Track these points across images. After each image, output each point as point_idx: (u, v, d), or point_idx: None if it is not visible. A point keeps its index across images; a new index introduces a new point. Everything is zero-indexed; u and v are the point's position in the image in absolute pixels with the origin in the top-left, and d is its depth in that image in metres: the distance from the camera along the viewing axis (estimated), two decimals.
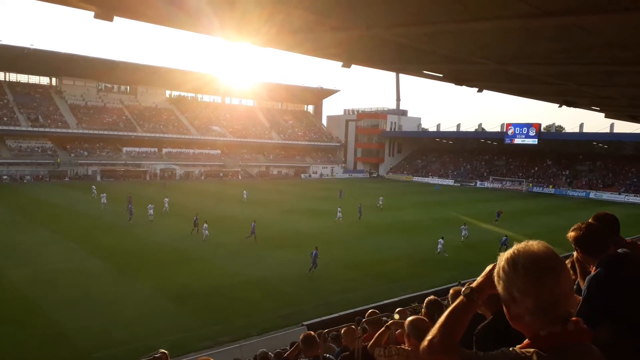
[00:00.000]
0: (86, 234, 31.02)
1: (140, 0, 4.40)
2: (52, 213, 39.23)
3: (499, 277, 1.63)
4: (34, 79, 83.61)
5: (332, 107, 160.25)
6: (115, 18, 4.31)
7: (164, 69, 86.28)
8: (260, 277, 22.87)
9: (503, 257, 1.63)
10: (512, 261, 1.58)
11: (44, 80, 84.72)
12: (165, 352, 2.76)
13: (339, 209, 40.04)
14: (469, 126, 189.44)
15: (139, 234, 32.01)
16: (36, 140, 73.12)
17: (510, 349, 1.56)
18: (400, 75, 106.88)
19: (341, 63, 6.63)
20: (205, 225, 30.51)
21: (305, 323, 15.70)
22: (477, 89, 9.25)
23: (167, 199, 41.69)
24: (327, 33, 5.10)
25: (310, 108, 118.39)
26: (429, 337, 1.71)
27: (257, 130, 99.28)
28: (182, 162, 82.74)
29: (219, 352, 12.99)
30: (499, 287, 1.63)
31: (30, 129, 72.46)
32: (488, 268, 1.81)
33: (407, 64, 7.47)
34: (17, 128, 71.47)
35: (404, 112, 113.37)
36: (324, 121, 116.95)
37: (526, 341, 1.58)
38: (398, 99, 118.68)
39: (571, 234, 2.94)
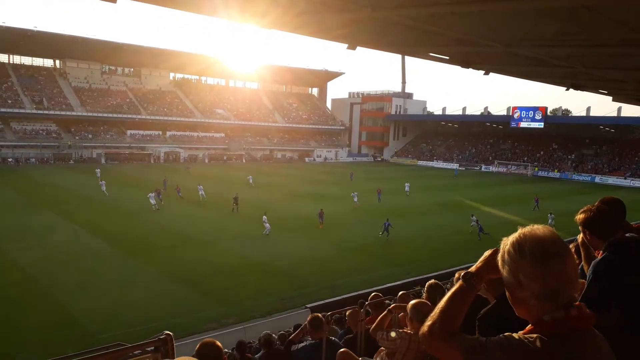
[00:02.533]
0: (93, 217, 31.23)
1: None
2: (57, 195, 39.47)
3: (503, 261, 1.62)
4: (38, 61, 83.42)
5: (336, 90, 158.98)
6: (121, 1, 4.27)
7: (168, 51, 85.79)
8: (266, 261, 23.03)
9: (508, 242, 1.62)
10: (518, 245, 1.57)
11: (47, 62, 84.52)
12: (170, 333, 2.78)
13: (354, 194, 39.72)
14: (474, 110, 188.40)
15: (146, 217, 32.20)
16: (41, 123, 73.24)
17: (514, 334, 1.55)
18: (406, 57, 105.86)
19: (346, 45, 6.56)
20: (265, 217, 28.70)
21: (308, 306, 15.84)
22: (483, 72, 9.16)
23: (201, 186, 39.74)
24: (333, 14, 5.04)
25: (315, 91, 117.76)
26: (428, 322, 1.70)
27: (262, 113, 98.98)
28: (186, 146, 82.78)
29: (224, 334, 13.15)
30: (504, 272, 1.62)
31: (34, 111, 72.53)
32: (487, 253, 1.81)
33: (413, 46, 7.39)
34: (22, 111, 71.55)
35: (410, 95, 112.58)
36: (329, 104, 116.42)
37: (529, 327, 1.58)
38: (404, 82, 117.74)
39: (580, 216, 2.91)
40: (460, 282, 1.80)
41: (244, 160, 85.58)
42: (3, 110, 69.39)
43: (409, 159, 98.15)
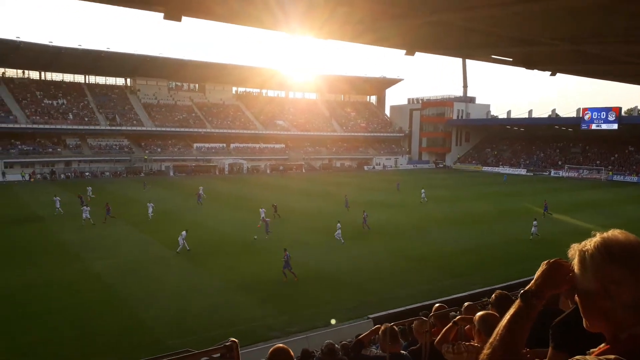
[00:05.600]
0: (160, 228, 32.61)
1: None
2: (128, 207, 41.61)
3: (584, 267, 1.46)
4: (110, 80, 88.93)
5: (395, 97, 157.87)
6: (183, 18, 4.47)
7: (230, 66, 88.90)
8: (326, 269, 23.08)
9: (591, 246, 1.45)
10: (605, 250, 1.42)
11: (119, 81, 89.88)
12: (236, 340, 2.84)
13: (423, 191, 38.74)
14: (541, 112, 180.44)
15: (210, 225, 33.27)
16: (114, 139, 77.85)
17: (587, 357, 1.39)
18: (467, 60, 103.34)
19: (404, 51, 6.49)
20: (339, 225, 28.97)
21: (371, 316, 15.66)
22: (550, 73, 8.75)
23: (263, 210, 34.41)
24: (390, 21, 5.01)
25: (373, 98, 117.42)
26: (487, 351, 1.55)
27: (320, 123, 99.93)
28: (248, 157, 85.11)
29: (287, 343, 13.26)
30: (584, 280, 1.46)
31: (108, 127, 77.23)
32: (544, 266, 1.64)
33: (474, 49, 7.20)
34: (97, 127, 76.40)
35: (472, 99, 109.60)
36: (387, 111, 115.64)
37: (604, 346, 1.42)
38: (465, 86, 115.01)
39: None
40: (518, 302, 1.61)
41: (303, 170, 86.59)
42: (81, 127, 74.48)
43: (473, 164, 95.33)
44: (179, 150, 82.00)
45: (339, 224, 29.05)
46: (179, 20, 4.45)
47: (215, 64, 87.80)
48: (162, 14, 4.46)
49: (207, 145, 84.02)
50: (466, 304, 6.53)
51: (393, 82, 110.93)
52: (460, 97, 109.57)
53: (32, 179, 64.64)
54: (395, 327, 5.56)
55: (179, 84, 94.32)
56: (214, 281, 21.16)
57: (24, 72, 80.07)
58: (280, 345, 2.72)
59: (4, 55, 71.06)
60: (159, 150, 79.68)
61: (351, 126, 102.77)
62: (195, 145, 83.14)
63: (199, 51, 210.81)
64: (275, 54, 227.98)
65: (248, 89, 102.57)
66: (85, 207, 34.45)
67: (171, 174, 74.75)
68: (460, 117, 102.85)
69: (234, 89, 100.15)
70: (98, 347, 14.64)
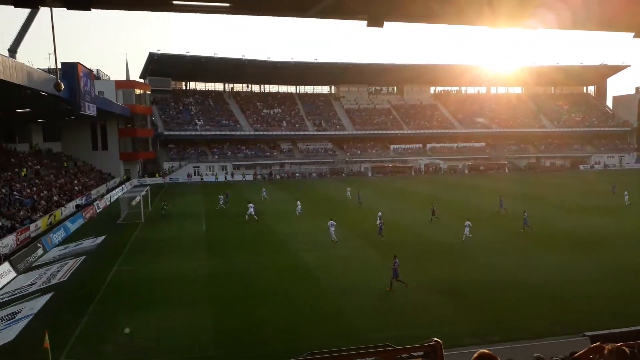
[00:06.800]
0: (358, 224, 34.12)
1: (409, 2, 4.61)
2: (331, 205, 44.62)
3: None
4: (317, 89, 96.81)
5: (619, 86, 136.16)
6: (385, 23, 4.63)
7: (429, 66, 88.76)
8: (530, 279, 21.25)
9: None
10: None
11: (325, 89, 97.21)
12: (439, 341, 2.83)
13: None
14: None
15: (414, 230, 33.61)
16: (319, 142, 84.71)
17: None
18: None
19: (633, 33, 5.60)
20: (467, 223, 29.03)
21: (587, 334, 13.85)
22: None
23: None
24: (618, 1, 4.38)
25: (591, 89, 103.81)
26: None
27: (526, 118, 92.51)
28: (445, 157, 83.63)
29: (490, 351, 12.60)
30: None
31: (315, 132, 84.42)
32: None
33: None
34: (306, 133, 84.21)
35: None
36: (609, 103, 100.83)
37: None
38: None
39: None
40: None
41: (506, 170, 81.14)
42: (292, 133, 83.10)
43: None
44: (377, 151, 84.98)
45: (467, 222, 28.62)
46: (381, 26, 4.62)
47: (413, 66, 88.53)
48: (364, 22, 4.70)
49: (403, 146, 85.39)
50: None
51: (616, 69, 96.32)
52: None
53: (254, 178, 74.47)
54: (625, 348, 4.77)
55: (378, 88, 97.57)
56: (414, 280, 21.29)
57: (247, 86, 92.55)
58: (486, 351, 2.60)
59: (232, 73, 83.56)
60: (359, 152, 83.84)
61: (563, 121, 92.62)
62: (392, 146, 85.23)
63: (398, 54, 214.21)
64: (474, 50, 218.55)
65: (446, 88, 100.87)
66: (250, 205, 37.97)
67: (369, 174, 77.80)
68: None
69: (432, 88, 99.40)
70: (302, 330, 16.01)
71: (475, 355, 2.64)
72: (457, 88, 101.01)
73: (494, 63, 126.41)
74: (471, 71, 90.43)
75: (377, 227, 30.68)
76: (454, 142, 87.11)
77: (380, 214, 33.29)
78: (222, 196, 45.37)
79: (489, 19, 4.79)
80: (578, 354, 5.59)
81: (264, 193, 50.32)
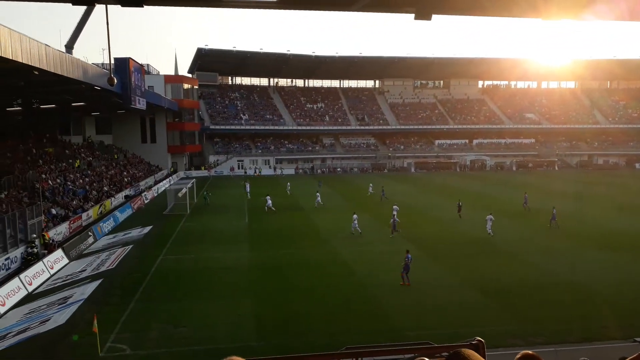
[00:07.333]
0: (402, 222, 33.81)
1: None
2: (371, 199, 44.39)
3: None
4: (361, 83, 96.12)
5: None
6: (433, 16, 4.54)
7: (477, 60, 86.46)
8: (577, 280, 20.47)
9: None
10: None
11: (369, 83, 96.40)
12: (482, 340, 2.77)
13: None
14: None
15: (449, 224, 33.03)
16: (362, 137, 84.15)
17: None
18: None
19: None
20: (489, 216, 29.52)
21: (638, 339, 13.25)
22: None
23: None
24: None
25: None
26: None
27: (578, 114, 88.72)
28: (492, 153, 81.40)
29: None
30: None
31: (357, 127, 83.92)
32: None
33: None
34: (349, 127, 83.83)
35: None
36: None
37: None
38: None
39: None
40: None
41: (556, 167, 78.22)
42: (335, 128, 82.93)
43: None
44: (421, 147, 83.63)
45: (489, 216, 29.36)
46: (429, 19, 4.54)
47: (460, 59, 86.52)
48: (412, 15, 4.63)
49: (448, 141, 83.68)
50: None
51: None
52: None
53: (296, 172, 75.02)
54: None
55: (423, 82, 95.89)
56: (452, 279, 20.94)
57: (292, 81, 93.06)
58: (530, 352, 2.52)
59: (277, 67, 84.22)
60: (402, 147, 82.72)
61: (620, 117, 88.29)
62: (436, 142, 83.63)
63: (444, 47, 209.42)
64: (525, 43, 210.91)
65: (495, 82, 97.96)
66: (267, 197, 39.59)
67: (412, 170, 76.74)
68: None
69: (480, 82, 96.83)
70: (340, 325, 16.04)
71: (519, 355, 2.56)
72: (506, 82, 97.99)
73: (546, 57, 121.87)
74: (521, 65, 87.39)
75: (395, 223, 29.86)
76: (501, 138, 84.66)
77: (396, 207, 33.06)
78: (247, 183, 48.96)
79: (540, 11, 4.61)
80: (628, 359, 5.34)
81: (288, 187, 51.28)
